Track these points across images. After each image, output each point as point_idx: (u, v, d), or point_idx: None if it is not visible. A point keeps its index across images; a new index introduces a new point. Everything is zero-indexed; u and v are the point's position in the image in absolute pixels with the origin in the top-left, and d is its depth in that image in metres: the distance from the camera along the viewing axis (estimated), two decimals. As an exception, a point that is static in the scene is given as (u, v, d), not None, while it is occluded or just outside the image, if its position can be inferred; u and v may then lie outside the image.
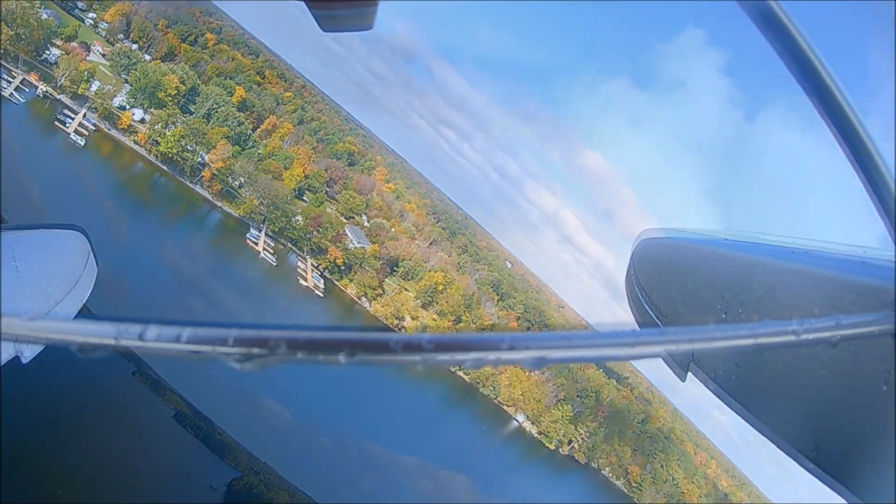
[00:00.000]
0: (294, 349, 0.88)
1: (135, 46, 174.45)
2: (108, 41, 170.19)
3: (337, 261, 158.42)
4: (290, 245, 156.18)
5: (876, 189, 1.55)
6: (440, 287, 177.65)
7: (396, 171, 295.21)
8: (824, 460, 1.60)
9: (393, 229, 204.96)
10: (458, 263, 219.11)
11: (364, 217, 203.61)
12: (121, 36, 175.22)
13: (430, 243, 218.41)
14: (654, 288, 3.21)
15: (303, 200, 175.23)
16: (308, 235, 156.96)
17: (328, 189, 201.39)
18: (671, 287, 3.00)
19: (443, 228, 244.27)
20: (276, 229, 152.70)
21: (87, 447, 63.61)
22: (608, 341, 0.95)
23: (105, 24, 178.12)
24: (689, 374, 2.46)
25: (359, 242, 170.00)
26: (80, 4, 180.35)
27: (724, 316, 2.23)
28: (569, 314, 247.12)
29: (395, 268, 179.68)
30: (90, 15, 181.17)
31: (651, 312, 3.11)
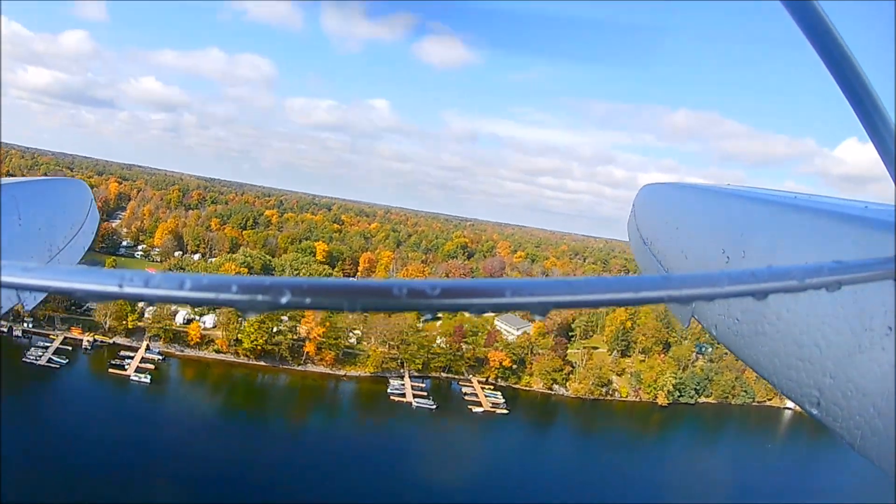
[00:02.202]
0: (298, 295, 0.86)
1: (196, 256, 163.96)
2: (161, 262, 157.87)
3: (504, 363, 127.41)
4: (443, 375, 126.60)
5: (877, 132, 1.57)
6: (628, 325, 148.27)
7: (518, 238, 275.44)
8: (828, 405, 1.63)
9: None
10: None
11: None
12: (178, 252, 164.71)
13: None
14: (656, 235, 3.25)
15: (436, 319, 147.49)
16: (458, 353, 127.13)
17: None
18: (673, 234, 3.04)
19: (592, 264, 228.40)
20: (420, 367, 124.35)
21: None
22: (611, 287, 0.95)
23: (156, 248, 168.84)
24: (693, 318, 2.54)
25: (518, 330, 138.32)
26: (124, 242, 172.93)
27: (726, 262, 2.30)
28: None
29: (570, 333, 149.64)
30: (139, 247, 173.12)
31: (654, 258, 3.16)
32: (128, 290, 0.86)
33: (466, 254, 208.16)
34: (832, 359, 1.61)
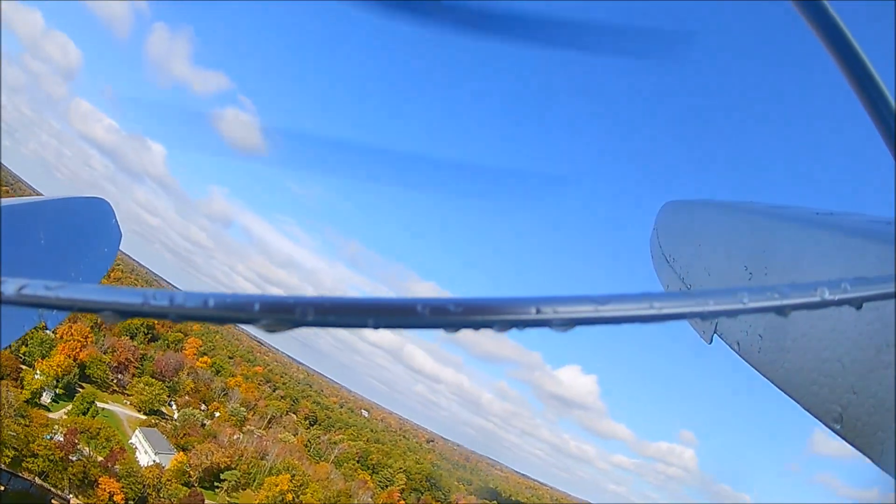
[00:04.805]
0: (321, 314, 0.85)
1: None
2: None
3: (115, 497, 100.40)
4: (36, 481, 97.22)
5: (879, 114, 1.59)
6: (289, 497, 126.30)
7: (214, 339, 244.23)
8: (850, 421, 1.65)
9: (215, 415, 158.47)
10: (308, 442, 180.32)
11: (173, 406, 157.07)
12: None
13: (269, 422, 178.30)
14: (678, 252, 3.28)
15: (66, 400, 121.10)
16: (65, 461, 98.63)
17: (117, 376, 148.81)
18: (696, 250, 3.07)
19: (281, 398, 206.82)
20: (8, 462, 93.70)
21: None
22: (635, 303, 0.95)
23: None
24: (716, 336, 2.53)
25: (155, 454, 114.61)
26: None
27: (749, 278, 2.32)
28: (439, 445, 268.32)
29: (217, 482, 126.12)
30: None
31: (676, 275, 3.20)
32: (151, 307, 0.87)
33: (150, 336, 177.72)
34: (854, 375, 1.62)
